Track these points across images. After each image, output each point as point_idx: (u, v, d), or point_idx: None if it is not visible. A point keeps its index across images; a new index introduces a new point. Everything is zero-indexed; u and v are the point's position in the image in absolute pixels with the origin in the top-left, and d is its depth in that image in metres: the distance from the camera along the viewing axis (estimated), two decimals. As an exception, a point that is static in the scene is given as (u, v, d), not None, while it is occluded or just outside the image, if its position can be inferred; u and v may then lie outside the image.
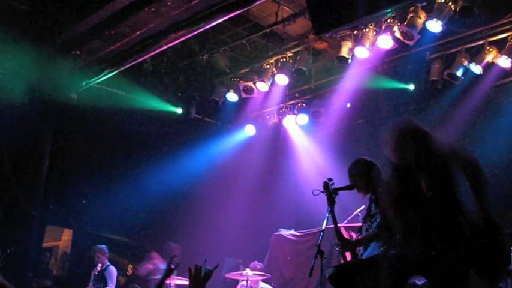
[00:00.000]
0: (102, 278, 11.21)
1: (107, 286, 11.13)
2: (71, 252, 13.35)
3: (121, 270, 13.16)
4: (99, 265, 11.36)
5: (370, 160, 6.77)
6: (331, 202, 6.29)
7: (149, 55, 11.00)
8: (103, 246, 11.47)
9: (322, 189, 6.45)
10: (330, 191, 6.32)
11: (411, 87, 11.55)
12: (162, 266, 11.14)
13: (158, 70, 12.29)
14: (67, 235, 14.17)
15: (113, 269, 11.38)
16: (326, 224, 6.40)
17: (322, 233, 6.28)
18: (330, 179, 6.43)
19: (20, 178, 11.34)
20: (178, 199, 13.38)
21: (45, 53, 10.88)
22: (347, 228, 10.27)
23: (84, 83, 12.04)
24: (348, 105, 12.71)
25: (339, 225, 9.71)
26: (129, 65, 11.19)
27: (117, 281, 13.04)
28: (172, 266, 4.85)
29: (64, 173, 12.17)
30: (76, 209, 12.40)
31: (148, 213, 12.83)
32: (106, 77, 11.69)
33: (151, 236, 13.24)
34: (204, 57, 12.20)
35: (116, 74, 11.51)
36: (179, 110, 13.33)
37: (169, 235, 13.14)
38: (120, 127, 13.00)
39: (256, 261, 11.14)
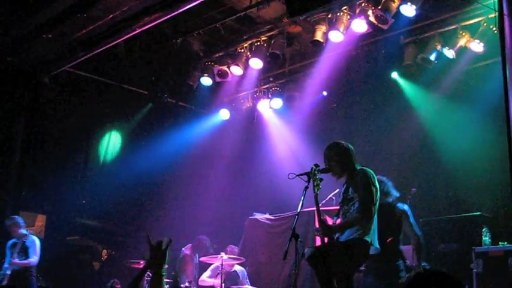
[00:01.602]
0: (23, 249, 10.73)
1: (29, 257, 10.59)
2: (45, 238, 13.22)
3: (96, 256, 13.12)
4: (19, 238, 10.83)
5: (345, 144, 6.82)
6: (316, 187, 6.31)
7: (122, 39, 10.90)
8: (17, 217, 10.79)
9: (297, 173, 6.47)
10: (316, 176, 6.33)
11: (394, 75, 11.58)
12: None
13: (131, 54, 12.16)
14: (40, 221, 14.01)
15: (34, 240, 10.79)
16: (301, 208, 6.41)
17: (297, 216, 6.29)
18: (317, 165, 6.45)
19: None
20: (153, 183, 13.36)
21: (17, 36, 10.75)
22: (322, 212, 10.32)
23: (55, 67, 11.93)
24: (325, 93, 12.73)
25: (312, 208, 9.87)
26: (102, 48, 11.09)
27: (92, 266, 13.00)
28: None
29: (37, 158, 12.06)
30: (49, 195, 12.27)
31: (122, 198, 12.76)
32: (78, 61, 11.58)
33: (126, 221, 13.19)
34: (178, 41, 12.10)
35: (88, 58, 11.40)
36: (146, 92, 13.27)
37: (144, 220, 13.13)
38: (94, 112, 12.91)
39: (232, 245, 11.16)
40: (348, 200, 6.50)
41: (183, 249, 11.52)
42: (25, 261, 10.52)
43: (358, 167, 6.66)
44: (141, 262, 9.94)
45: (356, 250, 6.27)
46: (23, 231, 10.64)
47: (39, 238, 11.03)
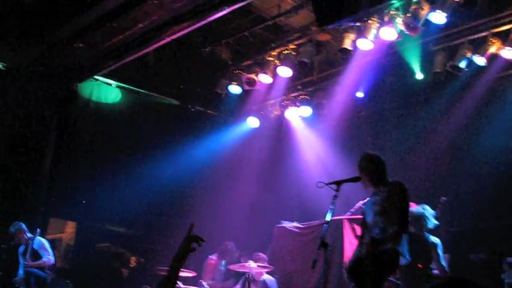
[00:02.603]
0: (34, 253, 10.76)
1: (42, 258, 10.67)
2: (75, 245, 13.37)
3: (125, 263, 13.19)
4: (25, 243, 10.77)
5: (379, 156, 6.88)
6: None
7: (151, 48, 10.99)
8: (19, 223, 10.75)
9: (325, 182, 6.47)
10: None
11: (419, 76, 11.44)
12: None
13: (160, 63, 12.26)
14: (71, 227, 14.17)
15: (41, 240, 10.82)
16: (330, 216, 6.40)
17: (326, 225, 6.27)
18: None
19: (24, 171, 11.38)
20: (182, 191, 13.40)
21: (49, 45, 10.91)
22: (350, 221, 10.29)
23: (86, 75, 12.08)
24: (361, 94, 12.47)
25: (340, 217, 9.89)
26: (131, 57, 11.20)
27: (121, 273, 13.08)
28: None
29: (67, 166, 12.18)
30: (79, 202, 12.40)
31: (152, 206, 12.83)
32: (108, 69, 11.71)
33: (155, 229, 13.25)
34: (207, 49, 12.17)
35: (118, 66, 11.53)
36: (176, 102, 13.33)
37: (172, 227, 13.15)
38: (123, 120, 13.02)
39: (260, 253, 11.14)
40: (381, 211, 6.49)
41: (209, 256, 11.60)
42: (39, 262, 10.62)
43: (390, 180, 6.73)
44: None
45: (389, 260, 6.34)
46: (27, 235, 10.72)
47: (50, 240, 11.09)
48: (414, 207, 8.14)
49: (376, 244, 6.40)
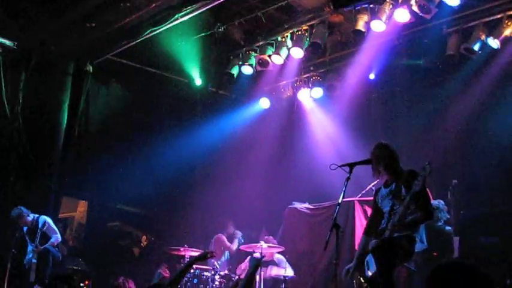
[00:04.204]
0: (42, 236, 10.77)
1: (51, 239, 10.63)
2: (86, 224, 13.48)
3: (136, 242, 13.29)
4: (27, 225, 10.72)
5: (392, 145, 6.88)
6: None
7: (164, 27, 10.98)
8: (19, 207, 10.58)
9: (338, 164, 6.49)
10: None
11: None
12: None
13: (173, 43, 12.25)
14: (82, 207, 14.29)
15: (44, 219, 10.66)
16: (342, 198, 6.43)
17: (338, 207, 6.31)
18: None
19: (37, 150, 11.46)
20: (193, 171, 13.48)
21: (61, 25, 10.93)
22: (361, 202, 10.33)
23: (99, 55, 12.09)
24: (373, 76, 12.44)
25: (352, 199, 9.97)
26: (145, 37, 11.20)
27: (132, 251, 13.19)
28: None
29: (80, 145, 12.24)
30: (92, 181, 12.47)
31: (163, 185, 12.90)
32: (121, 49, 11.71)
33: (166, 208, 13.33)
34: (220, 29, 12.14)
35: (131, 46, 11.54)
36: (198, 81, 13.32)
37: (184, 207, 13.25)
38: (136, 100, 13.06)
39: (271, 237, 11.20)
40: (402, 199, 6.46)
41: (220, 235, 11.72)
42: (49, 243, 10.67)
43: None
44: (181, 249, 10.05)
45: (405, 246, 6.38)
46: (30, 217, 10.65)
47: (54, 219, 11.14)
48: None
49: (394, 231, 6.41)
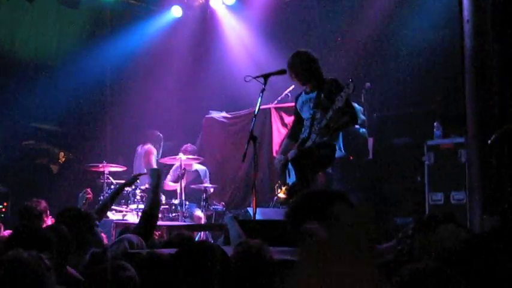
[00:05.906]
0: None
1: None
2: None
3: (53, 159, 13.06)
4: None
5: (311, 53, 6.83)
6: None
7: None
8: None
9: (252, 76, 6.47)
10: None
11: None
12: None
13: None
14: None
15: None
16: (258, 108, 6.46)
17: (254, 118, 6.36)
18: None
19: None
20: (105, 85, 13.18)
21: None
22: (278, 109, 10.47)
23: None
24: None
25: (267, 106, 10.10)
26: None
27: (50, 169, 12.97)
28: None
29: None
30: (1, 99, 12.00)
31: (76, 102, 12.56)
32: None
33: (82, 124, 13.05)
34: None
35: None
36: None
37: (99, 121, 13.04)
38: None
39: (188, 144, 11.15)
40: (324, 108, 6.51)
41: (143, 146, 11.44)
42: None
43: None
44: (100, 165, 9.95)
45: (328, 154, 6.56)
46: None
47: None
48: None
49: (317, 138, 6.51)
